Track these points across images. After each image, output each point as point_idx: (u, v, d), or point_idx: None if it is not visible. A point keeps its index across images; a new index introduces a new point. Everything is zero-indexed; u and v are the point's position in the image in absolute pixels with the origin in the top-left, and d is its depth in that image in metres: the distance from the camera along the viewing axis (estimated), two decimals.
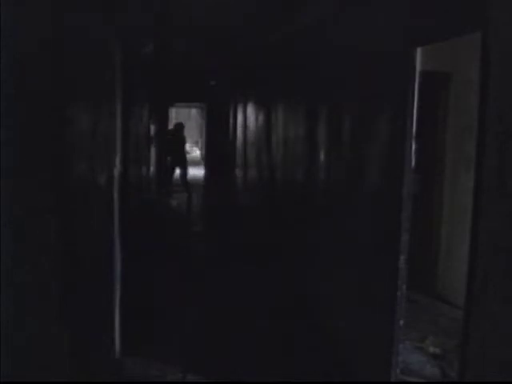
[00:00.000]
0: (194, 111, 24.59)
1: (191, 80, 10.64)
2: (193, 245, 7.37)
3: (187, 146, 14.24)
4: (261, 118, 7.25)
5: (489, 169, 1.95)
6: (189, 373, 3.45)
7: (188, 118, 26.26)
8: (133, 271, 4.24)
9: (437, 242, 4.88)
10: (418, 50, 2.60)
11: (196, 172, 15.55)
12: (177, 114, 24.53)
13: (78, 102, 2.36)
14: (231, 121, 11.28)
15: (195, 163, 18.09)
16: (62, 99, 2.08)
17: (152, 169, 7.55)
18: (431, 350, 3.72)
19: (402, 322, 2.76)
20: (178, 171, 11.45)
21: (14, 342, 1.55)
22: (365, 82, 3.27)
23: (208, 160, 14.25)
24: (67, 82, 2.13)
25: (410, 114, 2.63)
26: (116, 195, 3.31)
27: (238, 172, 10.08)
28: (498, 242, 1.89)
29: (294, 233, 5.20)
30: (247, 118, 8.73)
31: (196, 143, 25.73)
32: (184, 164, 11.43)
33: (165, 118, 12.37)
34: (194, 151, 24.63)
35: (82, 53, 2.42)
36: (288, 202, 5.49)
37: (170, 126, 12.84)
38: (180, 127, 11.68)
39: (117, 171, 3.33)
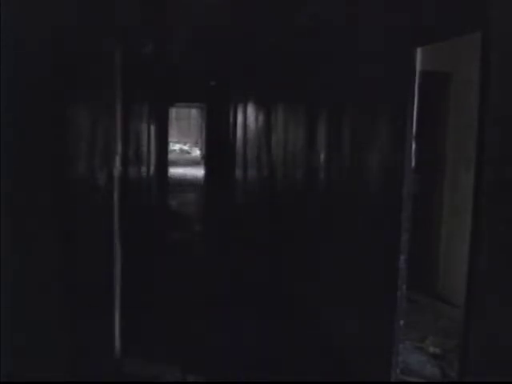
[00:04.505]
0: (193, 111, 24.59)
1: (191, 80, 10.64)
2: (193, 244, 7.37)
3: (186, 146, 14.24)
4: (261, 118, 7.25)
5: (489, 168, 1.95)
6: (189, 373, 3.45)
7: (188, 117, 26.28)
8: (133, 271, 4.24)
9: (437, 242, 4.87)
10: (418, 50, 2.60)
11: (196, 172, 15.57)
12: (177, 114, 24.55)
13: (78, 102, 2.36)
14: (231, 121, 11.28)
15: (195, 163, 18.13)
16: (62, 99, 2.08)
17: (152, 169, 7.58)
18: (431, 349, 3.72)
19: (402, 322, 2.76)
20: (178, 170, 11.35)
21: (14, 342, 1.55)
22: (365, 81, 3.27)
23: (208, 160, 14.26)
24: (67, 82, 2.13)
25: (410, 114, 2.63)
26: (116, 195, 3.31)
27: (238, 172, 10.08)
28: (497, 242, 1.89)
29: (294, 232, 5.20)
30: (247, 118, 8.73)
31: (196, 143, 25.75)
32: None
33: (165, 118, 12.36)
34: (194, 151, 24.67)
35: (82, 53, 2.42)
36: (288, 201, 5.49)
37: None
38: None
39: (117, 171, 3.33)
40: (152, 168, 7.69)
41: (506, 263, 1.83)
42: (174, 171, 14.93)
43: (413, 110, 2.62)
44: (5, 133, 1.43)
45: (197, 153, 24.11)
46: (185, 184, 13.56)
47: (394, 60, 2.82)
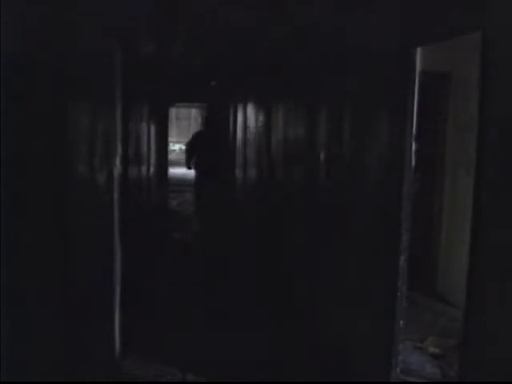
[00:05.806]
0: (194, 111, 24.59)
1: (191, 80, 10.63)
2: (193, 244, 7.37)
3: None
4: (261, 117, 7.25)
5: (489, 168, 1.95)
6: (189, 373, 3.45)
7: (188, 117, 26.28)
8: (133, 271, 4.24)
9: (437, 242, 4.87)
10: (418, 50, 2.60)
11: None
12: (177, 114, 24.55)
13: (78, 102, 2.36)
14: (231, 120, 11.28)
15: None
16: (62, 99, 2.09)
17: (152, 169, 7.61)
18: (431, 350, 3.71)
19: (402, 322, 2.76)
20: (178, 170, 11.36)
21: (14, 342, 1.55)
22: (365, 81, 3.27)
23: (207, 160, 14.22)
24: (67, 82, 2.13)
25: (410, 114, 2.63)
26: (116, 195, 3.31)
27: (238, 172, 10.08)
28: (497, 242, 1.89)
29: (294, 232, 5.20)
30: (247, 118, 8.73)
31: None
32: None
33: (165, 118, 12.36)
34: None
35: (82, 53, 2.42)
36: (288, 201, 5.48)
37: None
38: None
39: (117, 171, 3.33)
40: (152, 168, 7.70)
41: (506, 263, 1.84)
42: (174, 171, 14.93)
43: (413, 109, 2.62)
44: (5, 132, 1.44)
45: None
46: (185, 184, 13.55)
47: (394, 60, 2.82)
